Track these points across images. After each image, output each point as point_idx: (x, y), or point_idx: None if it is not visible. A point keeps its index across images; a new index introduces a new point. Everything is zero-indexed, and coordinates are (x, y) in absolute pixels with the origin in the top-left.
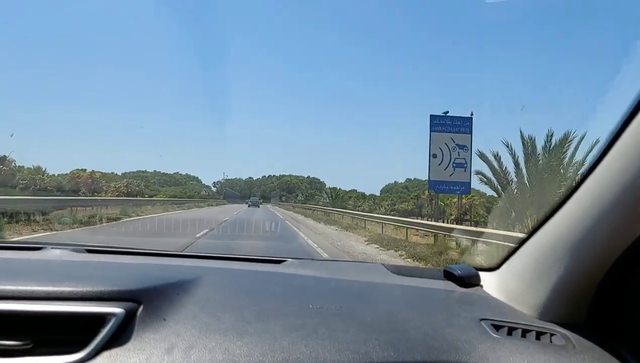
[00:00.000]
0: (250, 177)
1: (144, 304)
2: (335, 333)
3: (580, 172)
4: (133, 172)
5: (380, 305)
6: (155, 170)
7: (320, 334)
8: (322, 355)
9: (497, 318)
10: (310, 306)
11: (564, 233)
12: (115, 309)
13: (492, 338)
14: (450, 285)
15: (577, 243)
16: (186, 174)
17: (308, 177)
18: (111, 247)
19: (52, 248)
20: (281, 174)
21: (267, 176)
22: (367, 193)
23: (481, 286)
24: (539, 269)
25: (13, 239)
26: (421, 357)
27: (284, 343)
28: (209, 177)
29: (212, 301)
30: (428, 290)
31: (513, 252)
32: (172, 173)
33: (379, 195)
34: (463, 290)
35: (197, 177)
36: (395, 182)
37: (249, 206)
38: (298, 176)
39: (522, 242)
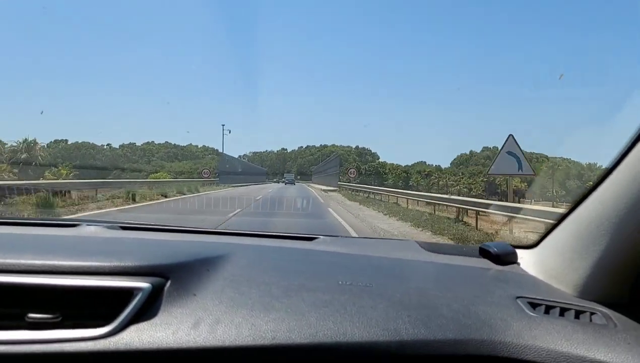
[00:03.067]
0: (283, 149)
1: (171, 279)
2: (363, 309)
3: (623, 144)
4: (125, 144)
5: (411, 282)
6: (166, 141)
7: (348, 310)
8: (350, 331)
9: (533, 296)
10: (340, 282)
11: (607, 209)
12: (143, 284)
13: (528, 316)
14: (485, 263)
15: (621, 219)
16: (203, 146)
17: (357, 147)
18: (144, 224)
19: (87, 225)
20: (322, 144)
21: (304, 147)
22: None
23: (518, 264)
24: (579, 246)
25: (50, 217)
26: (453, 334)
27: (311, 319)
28: (235, 150)
29: (240, 277)
30: (462, 267)
31: (552, 228)
32: (184, 145)
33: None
34: (499, 267)
35: (216, 150)
36: (471, 152)
37: (285, 184)
38: (344, 146)
39: (562, 218)
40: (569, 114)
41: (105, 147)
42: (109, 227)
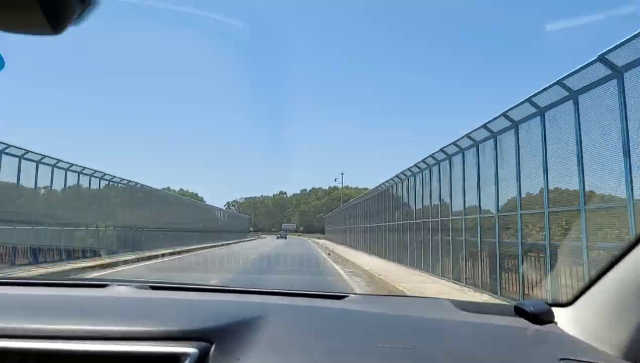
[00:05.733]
0: (282, 193)
1: (215, 343)
2: None
3: None
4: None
5: (450, 344)
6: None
7: None
8: None
9: (576, 358)
10: (380, 345)
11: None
12: (189, 349)
13: None
14: (522, 322)
15: None
16: (181, 190)
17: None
18: (173, 283)
19: (117, 285)
20: (332, 186)
21: (308, 190)
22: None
23: (555, 322)
24: (621, 304)
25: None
26: None
27: None
28: (221, 197)
29: (281, 340)
30: (500, 327)
31: (590, 285)
32: (160, 187)
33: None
34: (536, 327)
35: (196, 194)
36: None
37: (277, 238)
38: (359, 188)
39: (601, 274)
40: None
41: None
42: (139, 287)
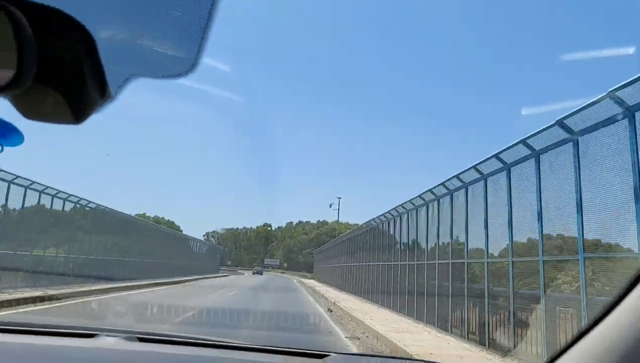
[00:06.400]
0: (266, 225)
1: None
2: None
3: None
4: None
5: None
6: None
7: None
8: None
9: None
10: None
11: (622, 336)
12: None
13: None
14: None
15: (634, 348)
16: (155, 216)
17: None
18: (162, 335)
19: (106, 335)
20: (321, 220)
21: (295, 224)
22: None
23: None
24: None
25: (65, 324)
26: None
27: None
28: (199, 227)
29: None
30: None
31: (559, 354)
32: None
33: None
34: None
35: (172, 222)
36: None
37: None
38: (350, 224)
39: (571, 343)
40: None
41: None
42: (127, 339)
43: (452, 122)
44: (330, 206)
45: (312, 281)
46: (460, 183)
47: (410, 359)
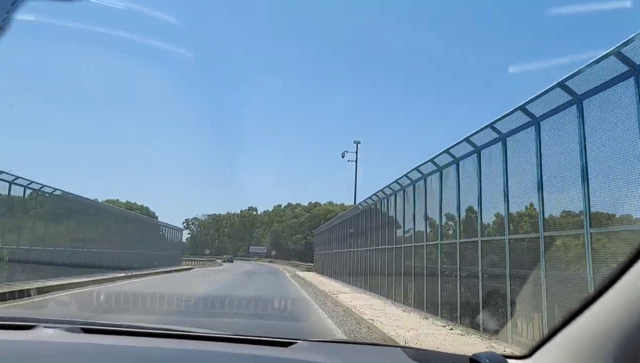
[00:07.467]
0: (251, 208)
1: None
2: None
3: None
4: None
5: None
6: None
7: None
8: None
9: None
10: None
11: (614, 322)
12: None
13: None
14: None
15: (629, 335)
16: (127, 202)
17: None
18: (107, 326)
19: (44, 327)
20: (313, 202)
21: (284, 206)
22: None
23: None
24: (582, 358)
25: (3, 315)
26: None
27: None
28: (179, 214)
29: None
30: None
31: (547, 338)
32: (102, 199)
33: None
34: None
35: (147, 208)
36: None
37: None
38: (345, 205)
39: (559, 327)
40: None
41: None
42: (69, 330)
43: (430, 81)
44: (343, 156)
45: (312, 275)
46: (451, 159)
47: (376, 344)
